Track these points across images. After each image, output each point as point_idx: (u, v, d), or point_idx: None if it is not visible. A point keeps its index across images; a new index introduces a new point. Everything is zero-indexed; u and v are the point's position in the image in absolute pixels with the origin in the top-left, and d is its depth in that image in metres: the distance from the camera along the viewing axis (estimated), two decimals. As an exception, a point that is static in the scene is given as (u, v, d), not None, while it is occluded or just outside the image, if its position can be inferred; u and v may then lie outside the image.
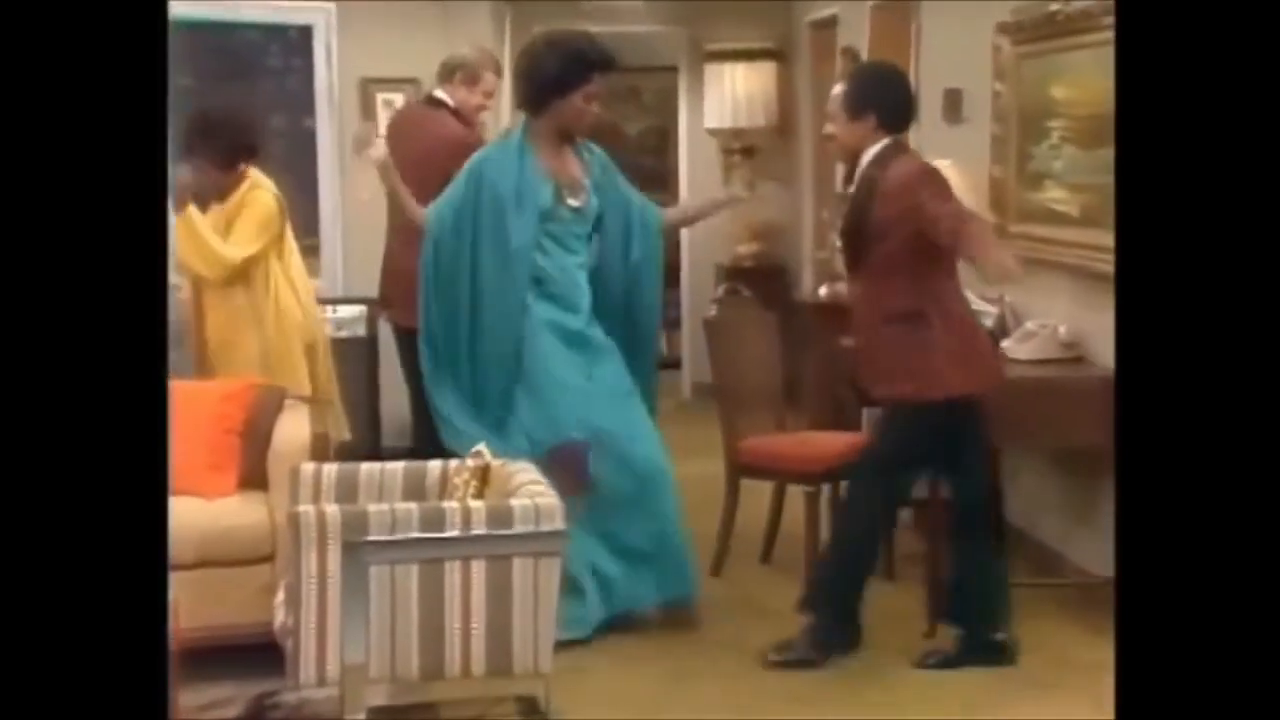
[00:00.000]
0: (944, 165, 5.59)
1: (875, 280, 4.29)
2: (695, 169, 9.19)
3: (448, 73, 5.58)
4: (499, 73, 5.80)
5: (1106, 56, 4.81)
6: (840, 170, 4.75)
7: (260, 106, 6.74)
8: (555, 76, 4.68)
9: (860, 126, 4.30)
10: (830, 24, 8.06)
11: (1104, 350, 4.88)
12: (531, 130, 4.79)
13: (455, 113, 5.52)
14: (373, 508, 3.61)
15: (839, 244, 4.38)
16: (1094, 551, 4.99)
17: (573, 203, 4.75)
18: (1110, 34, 4.77)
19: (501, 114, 7.25)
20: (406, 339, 5.50)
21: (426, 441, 5.30)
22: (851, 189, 4.35)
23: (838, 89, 4.40)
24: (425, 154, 5.39)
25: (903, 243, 4.17)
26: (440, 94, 5.57)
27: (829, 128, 4.40)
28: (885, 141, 4.30)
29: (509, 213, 4.68)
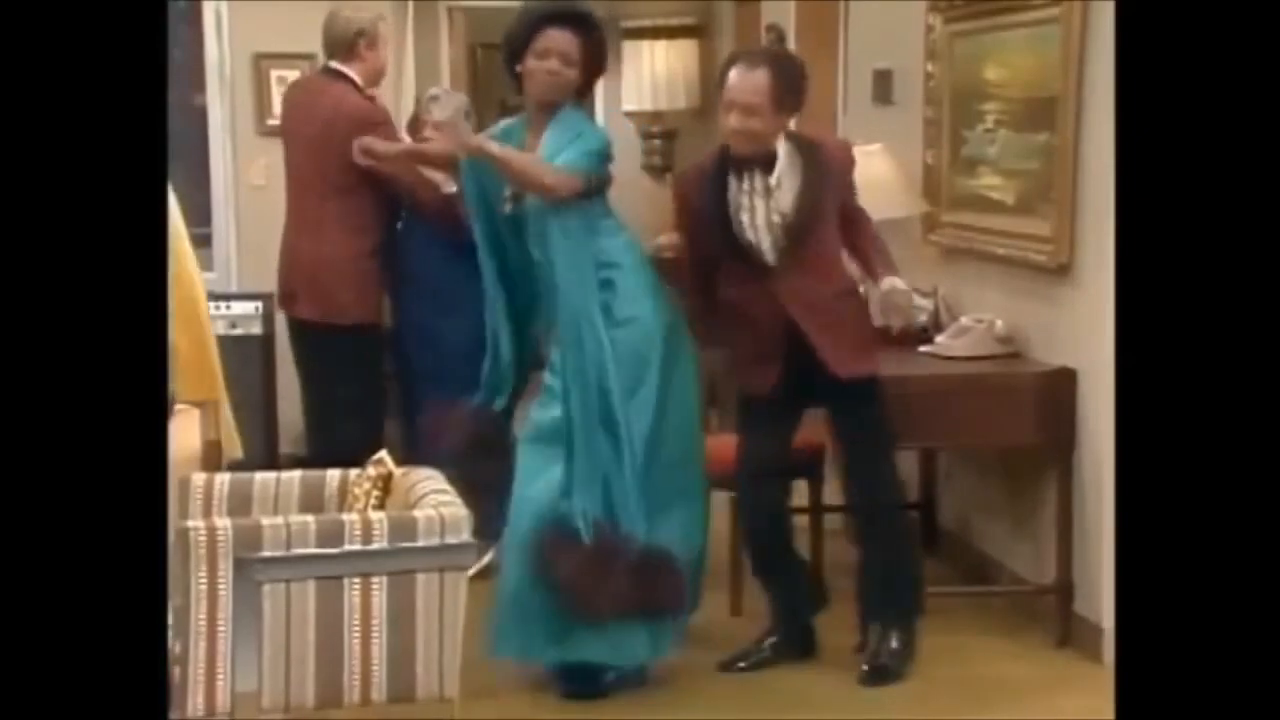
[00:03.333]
0: (874, 150, 5.63)
1: (815, 262, 4.39)
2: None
3: (349, 42, 5.45)
4: (389, 28, 5.72)
5: (1042, 36, 4.85)
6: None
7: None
8: (509, 45, 4.44)
9: (782, 120, 4.37)
10: (754, -1, 8.07)
11: (1041, 345, 4.90)
12: (526, 115, 4.54)
13: (356, 86, 5.43)
14: (266, 521, 3.55)
15: (767, 235, 4.35)
16: (1031, 557, 5.01)
17: (505, 192, 4.41)
18: (1045, 12, 4.80)
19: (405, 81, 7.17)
20: (309, 336, 5.42)
21: (321, 450, 5.23)
22: (779, 177, 4.33)
23: (760, 80, 4.27)
24: (325, 129, 5.31)
25: (836, 218, 4.45)
26: (338, 66, 5.47)
27: (750, 121, 4.28)
28: (788, 128, 4.44)
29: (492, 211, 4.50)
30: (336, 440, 5.17)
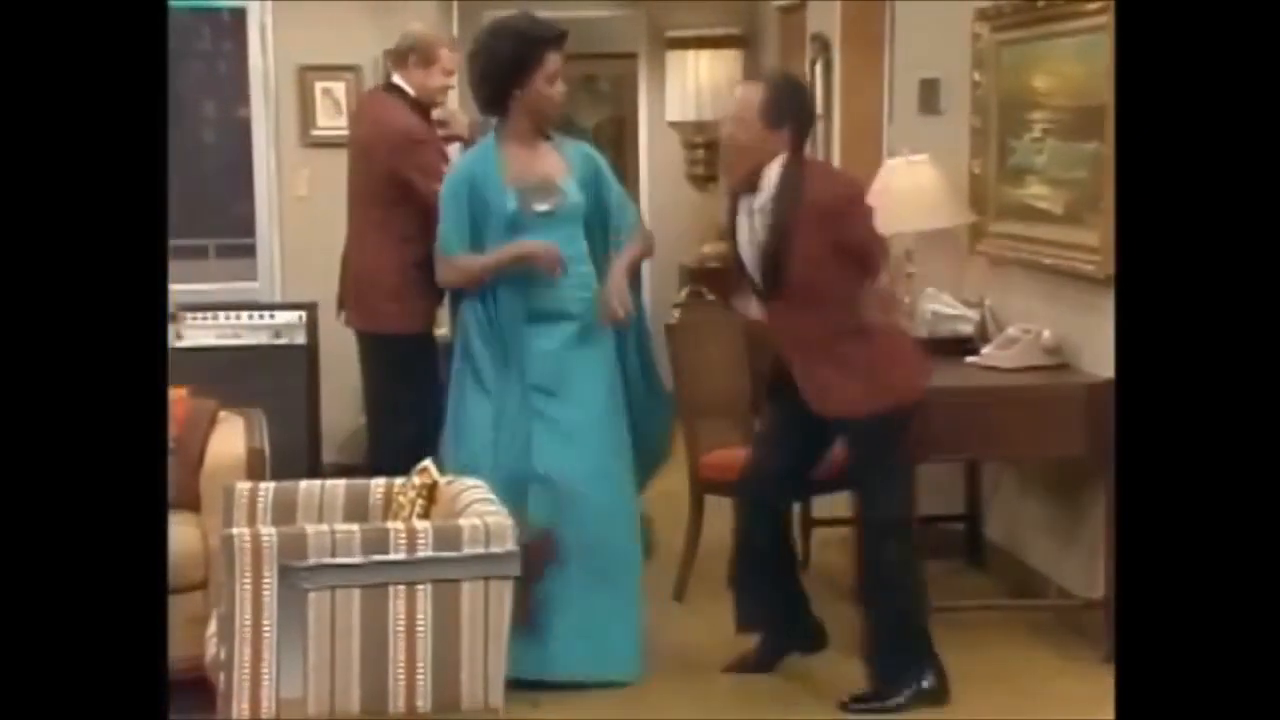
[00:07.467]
0: (920, 160, 5.64)
1: (805, 296, 4.31)
2: (656, 164, 9.17)
3: (400, 56, 5.48)
4: (455, 48, 5.71)
5: (1090, 44, 4.85)
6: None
7: (187, 92, 6.69)
8: (510, 64, 4.59)
9: (777, 137, 4.34)
10: (799, 9, 8.08)
11: (1089, 357, 4.90)
12: (502, 134, 4.70)
13: (414, 101, 5.44)
14: (311, 529, 3.58)
15: (751, 262, 4.38)
16: (1079, 571, 5.00)
17: (540, 207, 4.62)
18: (1094, 20, 4.81)
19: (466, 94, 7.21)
20: (362, 344, 5.47)
21: (378, 458, 5.26)
22: (764, 202, 4.32)
23: (751, 94, 4.40)
24: (368, 144, 5.34)
25: (833, 257, 4.28)
26: (397, 80, 5.49)
27: (736, 131, 4.38)
28: (791, 153, 4.35)
29: (486, 229, 4.64)
30: (387, 447, 5.21)
